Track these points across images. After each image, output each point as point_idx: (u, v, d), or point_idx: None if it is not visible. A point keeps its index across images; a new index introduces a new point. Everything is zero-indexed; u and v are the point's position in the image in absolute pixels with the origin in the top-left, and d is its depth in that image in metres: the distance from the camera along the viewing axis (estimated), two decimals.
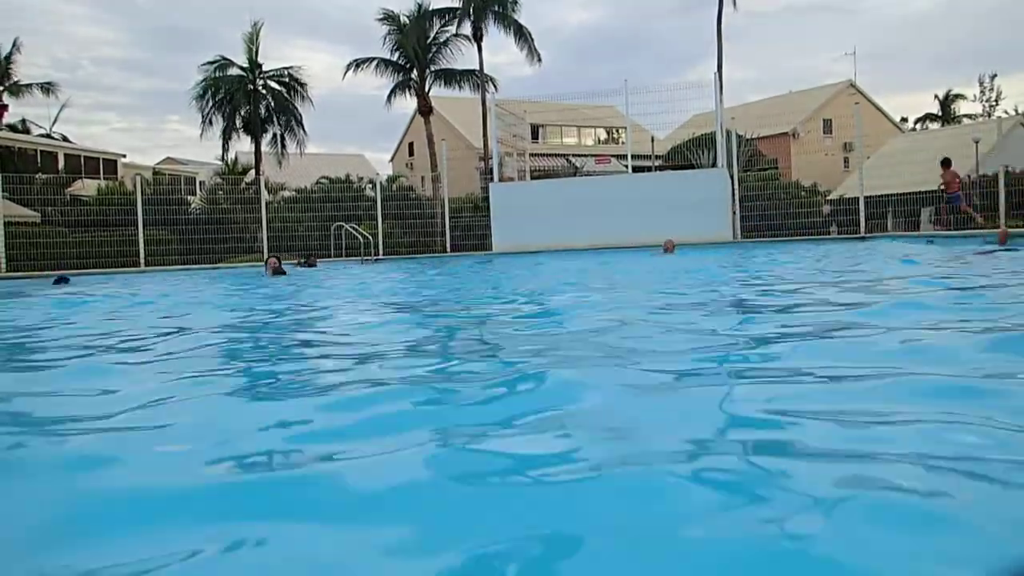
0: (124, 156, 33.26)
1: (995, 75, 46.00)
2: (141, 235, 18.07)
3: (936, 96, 46.76)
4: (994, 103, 45.38)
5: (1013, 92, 69.14)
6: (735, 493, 1.43)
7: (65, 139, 33.01)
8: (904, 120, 46.74)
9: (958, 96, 46.00)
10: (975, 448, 1.65)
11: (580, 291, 6.27)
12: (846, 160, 37.54)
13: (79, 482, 1.61)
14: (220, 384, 2.71)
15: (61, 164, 28.72)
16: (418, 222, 21.32)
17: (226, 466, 1.72)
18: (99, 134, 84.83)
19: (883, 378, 2.36)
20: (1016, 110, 42.04)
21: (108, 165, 31.40)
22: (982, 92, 45.90)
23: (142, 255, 17.89)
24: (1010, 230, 9.16)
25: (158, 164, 40.15)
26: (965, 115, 45.33)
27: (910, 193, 20.01)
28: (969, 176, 22.57)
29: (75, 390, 2.73)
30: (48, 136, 32.66)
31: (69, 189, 24.72)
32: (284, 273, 11.86)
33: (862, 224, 16.89)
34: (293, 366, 3.34)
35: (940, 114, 46.19)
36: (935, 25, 77.88)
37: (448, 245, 19.59)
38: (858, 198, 17.16)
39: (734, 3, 26.20)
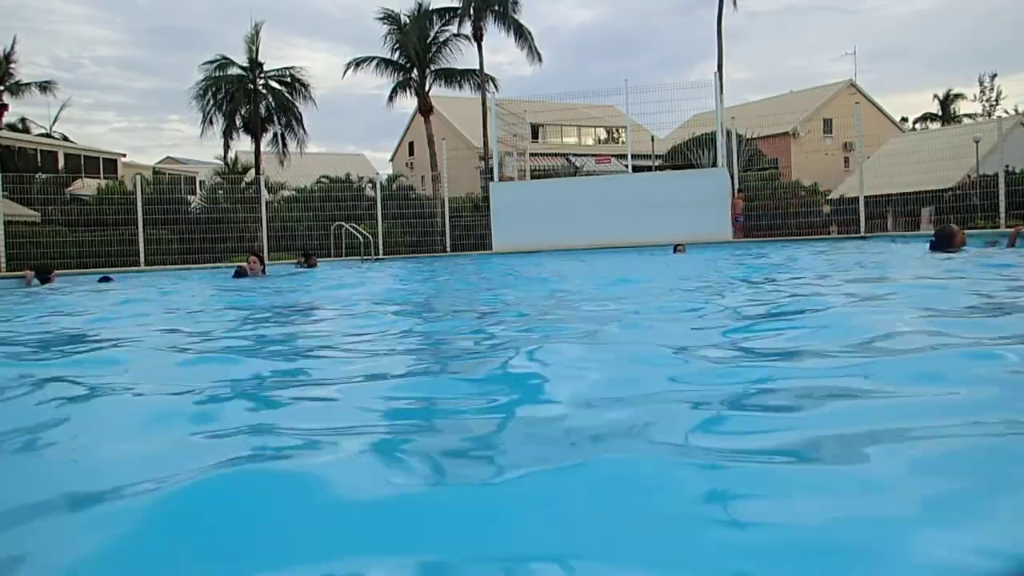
0: (124, 155, 33.27)
1: (995, 75, 46.08)
2: (141, 234, 18.08)
3: (936, 96, 46.83)
4: (994, 103, 45.44)
5: (1013, 92, 69.05)
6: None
7: (65, 138, 33.03)
8: (904, 120, 46.79)
9: (958, 96, 46.03)
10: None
11: None
12: (846, 160, 37.56)
13: None
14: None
15: (61, 163, 28.73)
16: (418, 221, 21.33)
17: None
18: (99, 134, 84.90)
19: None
20: (1016, 110, 42.10)
21: (108, 164, 31.42)
22: (982, 92, 45.96)
23: (142, 254, 17.90)
24: (1021, 228, 9.02)
25: (158, 163, 40.16)
26: (965, 115, 45.36)
27: (910, 193, 20.04)
28: (969, 176, 22.61)
29: None
30: (48, 135, 32.68)
31: (69, 188, 24.72)
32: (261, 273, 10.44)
33: (862, 223, 16.89)
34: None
35: (940, 114, 46.19)
36: (935, 25, 78.02)
37: (448, 245, 19.59)
38: (858, 198, 17.15)
39: (734, 3, 26.27)
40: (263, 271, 10.55)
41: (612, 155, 36.67)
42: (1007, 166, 16.06)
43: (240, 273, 10.48)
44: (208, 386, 2.55)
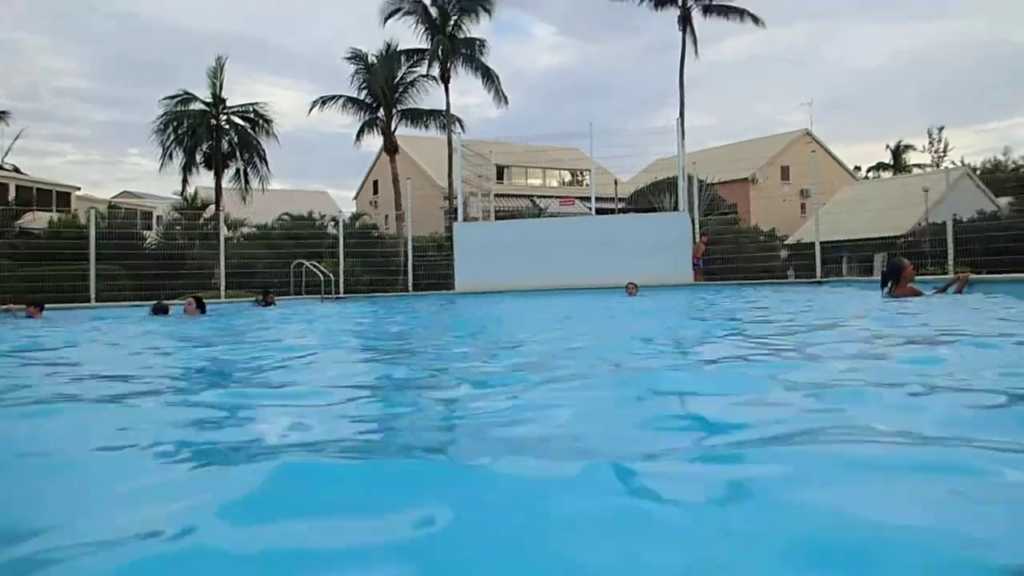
0: (79, 189, 32.67)
1: (942, 127, 48.20)
2: (93, 270, 17.55)
3: (888, 146, 48.70)
4: (942, 154, 47.46)
5: (960, 144, 72.49)
6: None
7: (16, 170, 32.24)
8: (858, 168, 48.46)
9: (908, 147, 47.95)
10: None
11: None
12: (803, 206, 38.56)
13: None
14: None
15: (12, 195, 28.00)
16: (381, 260, 21.16)
17: None
18: (55, 166, 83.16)
19: None
20: (962, 161, 43.94)
21: (61, 198, 30.74)
22: (931, 143, 47.99)
23: (93, 290, 17.35)
24: (968, 276, 9.18)
25: (115, 197, 39.38)
26: (915, 164, 47.20)
27: (863, 239, 20.59)
28: (920, 223, 23.36)
29: None
30: None
31: (19, 221, 24.02)
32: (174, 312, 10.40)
33: (818, 268, 17.24)
34: None
35: (892, 163, 47.99)
36: (887, 79, 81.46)
37: (410, 284, 19.42)
38: (814, 243, 17.53)
39: (695, 52, 27.11)
40: (200, 312, 10.54)
41: (576, 197, 37.12)
42: (954, 215, 16.60)
43: (159, 310, 10.21)
44: None
